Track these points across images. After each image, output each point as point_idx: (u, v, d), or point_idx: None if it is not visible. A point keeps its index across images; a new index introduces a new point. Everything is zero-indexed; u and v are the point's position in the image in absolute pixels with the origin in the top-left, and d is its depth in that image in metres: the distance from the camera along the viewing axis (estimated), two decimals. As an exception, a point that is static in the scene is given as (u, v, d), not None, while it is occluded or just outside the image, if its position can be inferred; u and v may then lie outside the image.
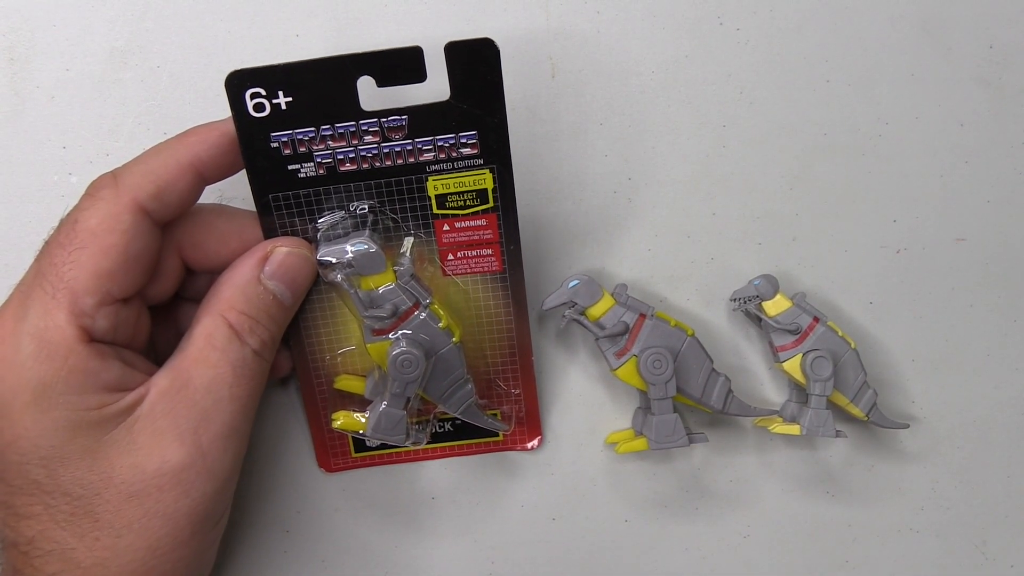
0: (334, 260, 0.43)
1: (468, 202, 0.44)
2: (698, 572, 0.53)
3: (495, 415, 0.49)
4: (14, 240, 0.48)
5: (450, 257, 0.45)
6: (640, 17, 0.49)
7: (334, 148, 0.41)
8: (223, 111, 0.40)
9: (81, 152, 0.48)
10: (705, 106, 0.49)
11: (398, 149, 0.42)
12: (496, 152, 0.42)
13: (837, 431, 0.49)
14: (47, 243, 0.39)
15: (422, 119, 0.41)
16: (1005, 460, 0.53)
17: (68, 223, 0.38)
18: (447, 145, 0.42)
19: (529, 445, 0.51)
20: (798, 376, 0.49)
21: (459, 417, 0.47)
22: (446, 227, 0.44)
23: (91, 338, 0.38)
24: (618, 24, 0.49)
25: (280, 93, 0.40)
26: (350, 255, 0.43)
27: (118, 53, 0.47)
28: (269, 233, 0.43)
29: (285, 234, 0.43)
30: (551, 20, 0.48)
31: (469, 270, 0.46)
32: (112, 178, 0.39)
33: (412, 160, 0.42)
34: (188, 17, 0.47)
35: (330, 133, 0.41)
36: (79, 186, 0.40)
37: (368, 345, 0.45)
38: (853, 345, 0.49)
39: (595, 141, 0.49)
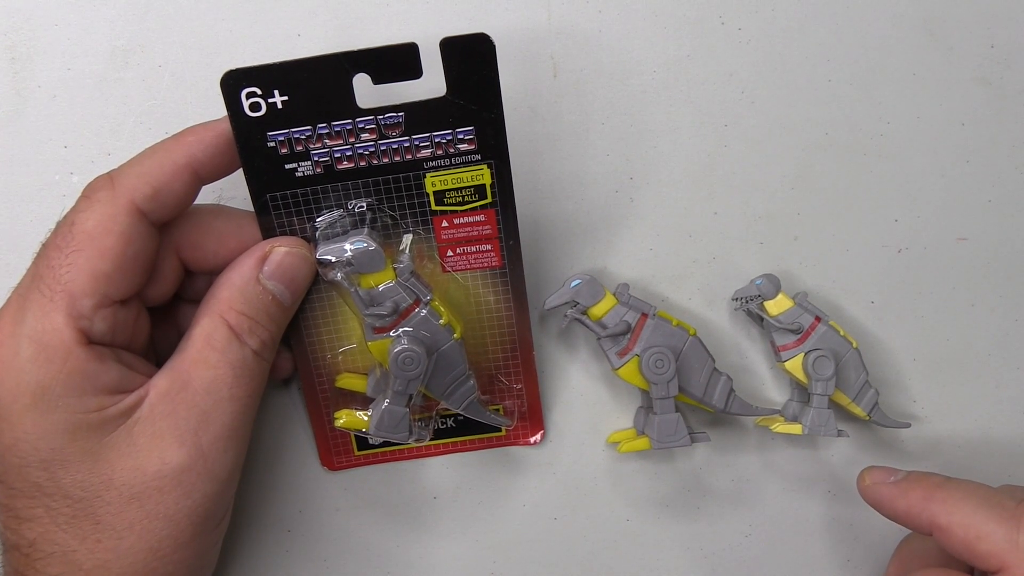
0: (333, 259, 0.43)
1: (466, 198, 0.44)
2: (699, 571, 0.53)
3: (497, 410, 0.49)
4: (15, 239, 0.48)
5: (449, 253, 0.45)
6: (642, 16, 0.49)
7: (331, 146, 0.41)
8: (225, 110, 0.40)
9: (82, 151, 0.48)
10: (707, 105, 0.49)
11: (395, 146, 0.42)
12: (494, 147, 0.42)
13: (839, 430, 0.49)
14: (44, 246, 0.39)
15: (419, 116, 0.41)
16: (1005, 460, 0.53)
17: (65, 225, 0.38)
18: (444, 141, 0.42)
19: (532, 440, 0.51)
20: (800, 375, 0.49)
21: (462, 413, 0.47)
22: (445, 223, 0.44)
23: (89, 340, 0.38)
24: (620, 23, 0.48)
25: (276, 92, 0.40)
26: (349, 253, 0.43)
27: (120, 52, 0.47)
28: (267, 233, 0.43)
29: (283, 233, 0.43)
30: (553, 19, 0.48)
31: (469, 266, 0.46)
32: (108, 180, 0.39)
33: (409, 157, 0.42)
34: (190, 16, 0.47)
35: (327, 131, 0.41)
36: (80, 185, 0.40)
37: (369, 343, 0.45)
38: (855, 344, 0.49)
39: (597, 140, 0.49)
